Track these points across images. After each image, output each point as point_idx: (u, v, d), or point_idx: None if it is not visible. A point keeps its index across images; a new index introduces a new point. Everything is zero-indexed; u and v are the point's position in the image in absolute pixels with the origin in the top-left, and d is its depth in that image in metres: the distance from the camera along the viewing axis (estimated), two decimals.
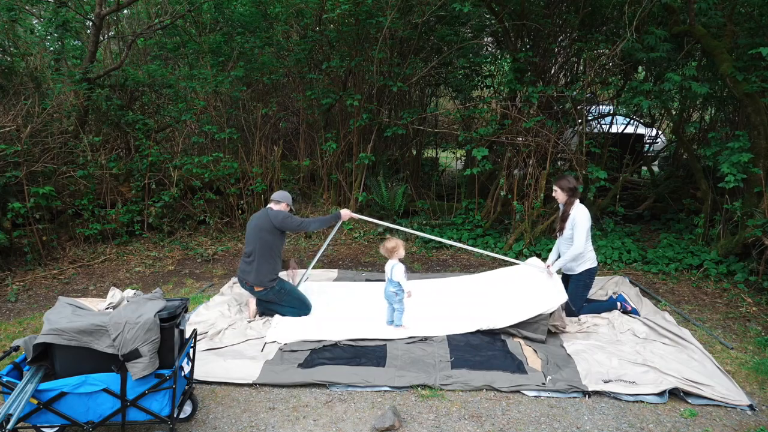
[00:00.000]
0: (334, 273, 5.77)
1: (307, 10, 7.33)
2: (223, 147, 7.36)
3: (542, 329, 4.00)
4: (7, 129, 5.59)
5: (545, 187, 6.40)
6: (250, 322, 4.42)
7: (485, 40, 8.77)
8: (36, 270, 5.75)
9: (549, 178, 6.50)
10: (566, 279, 4.57)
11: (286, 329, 4.18)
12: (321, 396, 3.34)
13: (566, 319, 4.21)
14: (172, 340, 2.77)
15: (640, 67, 7.79)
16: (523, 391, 3.36)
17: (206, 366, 3.57)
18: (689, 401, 3.26)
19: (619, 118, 8.51)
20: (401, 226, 7.12)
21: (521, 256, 6.34)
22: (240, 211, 7.32)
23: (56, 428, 2.78)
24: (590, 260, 4.44)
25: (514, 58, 6.90)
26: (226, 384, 3.46)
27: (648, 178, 8.75)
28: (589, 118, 8.01)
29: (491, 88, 8.48)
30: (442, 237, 6.86)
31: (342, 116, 7.64)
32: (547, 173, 6.39)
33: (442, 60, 7.78)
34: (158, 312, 2.73)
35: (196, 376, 3.39)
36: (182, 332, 2.99)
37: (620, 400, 3.28)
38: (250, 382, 3.45)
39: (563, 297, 4.05)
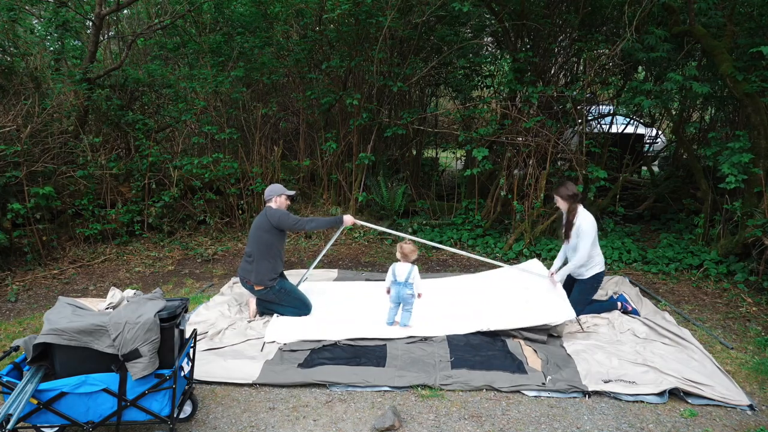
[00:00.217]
0: (334, 273, 5.77)
1: (307, 10, 7.32)
2: (223, 147, 7.36)
3: (542, 332, 4.00)
4: (7, 129, 5.59)
5: (545, 187, 6.41)
6: (250, 322, 4.42)
7: (485, 40, 8.77)
8: (36, 270, 5.75)
9: (549, 178, 6.50)
10: (572, 281, 4.59)
11: (285, 329, 4.18)
12: (321, 396, 3.34)
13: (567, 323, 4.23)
14: (172, 340, 2.77)
15: (640, 67, 7.79)
16: (523, 391, 3.36)
17: (206, 366, 3.57)
18: (689, 401, 3.26)
19: (619, 118, 8.51)
20: (402, 231, 7.13)
21: (521, 256, 6.34)
22: (240, 211, 7.33)
23: (56, 428, 2.78)
24: (599, 265, 4.45)
25: (514, 58, 6.90)
26: (226, 384, 3.46)
27: (648, 178, 8.75)
28: (589, 118, 8.02)
29: (491, 88, 8.48)
30: (442, 237, 6.87)
31: (342, 116, 7.64)
32: (547, 173, 6.39)
33: (442, 60, 7.78)
34: (158, 312, 2.73)
35: (196, 376, 3.40)
36: (182, 332, 2.99)
37: (620, 400, 3.28)
38: (250, 382, 3.45)
39: (571, 314, 4.03)
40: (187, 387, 3.04)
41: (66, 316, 2.69)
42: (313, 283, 5.29)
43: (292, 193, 4.63)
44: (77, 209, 6.41)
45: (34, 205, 5.75)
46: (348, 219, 4.61)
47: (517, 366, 3.60)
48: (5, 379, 2.60)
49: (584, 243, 4.32)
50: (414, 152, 8.73)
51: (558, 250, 6.29)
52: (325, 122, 7.90)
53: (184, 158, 6.97)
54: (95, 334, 2.62)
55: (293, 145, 8.32)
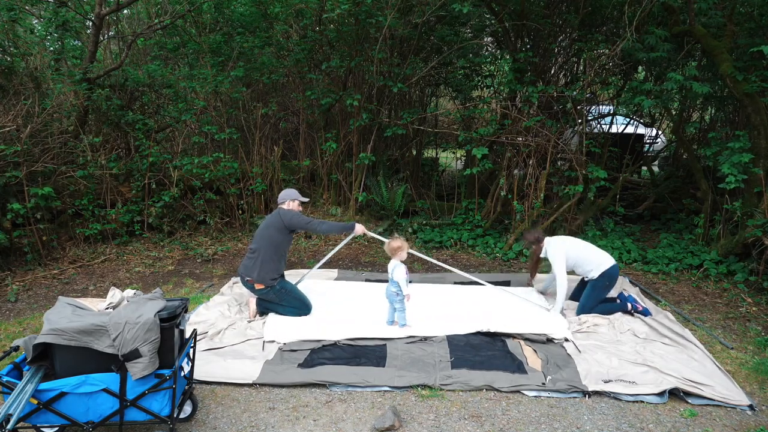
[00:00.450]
0: (334, 273, 5.77)
1: (307, 10, 7.32)
2: (223, 147, 7.36)
3: (541, 336, 4.02)
4: (7, 129, 5.59)
5: (545, 187, 6.41)
6: (250, 322, 4.41)
7: (485, 40, 8.77)
8: (36, 270, 5.75)
9: (549, 178, 6.50)
10: (584, 283, 4.67)
11: (285, 328, 4.18)
12: (321, 396, 3.34)
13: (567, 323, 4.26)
14: (172, 340, 2.77)
15: (640, 67, 7.79)
16: (523, 391, 3.36)
17: (206, 366, 3.57)
18: (689, 401, 3.26)
19: (619, 118, 8.51)
20: (402, 231, 7.13)
21: (521, 256, 6.35)
22: (240, 211, 7.33)
23: (56, 428, 2.78)
24: (604, 263, 4.49)
25: (514, 58, 6.90)
26: (226, 384, 3.46)
27: (648, 178, 8.75)
28: (589, 118, 8.01)
29: (491, 88, 8.48)
30: (442, 237, 6.87)
31: (342, 116, 7.64)
32: (547, 173, 6.39)
33: (442, 60, 7.78)
34: (158, 312, 2.73)
35: (196, 376, 3.39)
36: (182, 332, 2.99)
37: (620, 400, 3.28)
38: (250, 382, 3.45)
39: (567, 333, 4.07)
40: (187, 387, 3.04)
41: (66, 316, 2.69)
42: (313, 283, 5.29)
43: (305, 200, 4.74)
44: (77, 209, 6.41)
45: (34, 205, 5.74)
46: (359, 228, 4.65)
47: (517, 366, 3.60)
48: (5, 379, 2.60)
49: (556, 266, 4.49)
50: (414, 152, 8.73)
51: None
52: (325, 122, 7.90)
53: (184, 158, 6.97)
54: (95, 334, 2.62)
55: (293, 145, 8.32)
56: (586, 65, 7.42)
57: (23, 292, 5.27)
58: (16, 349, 2.78)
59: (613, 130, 8.21)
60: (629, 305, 4.48)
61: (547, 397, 3.32)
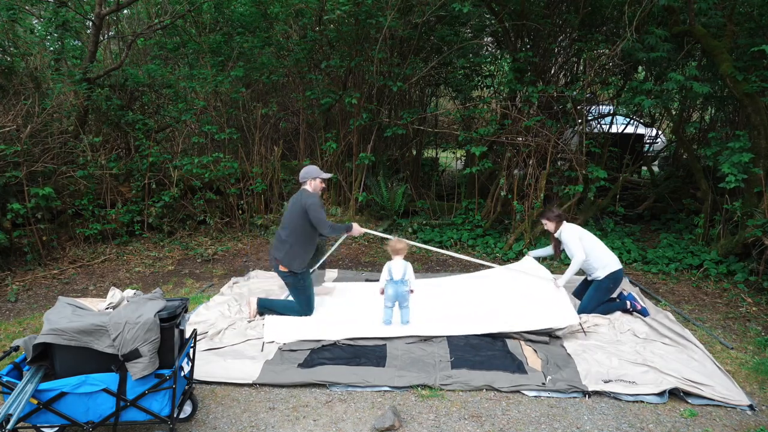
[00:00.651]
0: (334, 273, 5.77)
1: (307, 10, 7.33)
2: (223, 147, 7.36)
3: (545, 332, 4.01)
4: (7, 129, 5.59)
5: (545, 187, 6.41)
6: (250, 321, 4.41)
7: (485, 40, 8.77)
8: (36, 270, 5.75)
9: (549, 178, 6.50)
10: (588, 283, 4.65)
11: (284, 329, 4.18)
12: (321, 396, 3.34)
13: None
14: (172, 340, 2.77)
15: (640, 67, 7.79)
16: (523, 391, 3.36)
17: (206, 366, 3.57)
18: (689, 401, 3.26)
19: (619, 118, 8.51)
20: (402, 231, 7.14)
21: (521, 256, 6.34)
22: (240, 211, 7.33)
23: (56, 428, 2.78)
24: (611, 264, 4.47)
25: (514, 58, 6.90)
26: (226, 384, 3.46)
27: (648, 178, 8.75)
28: (589, 118, 8.02)
29: (491, 88, 8.48)
30: (442, 237, 6.87)
31: (342, 116, 7.64)
32: (547, 173, 6.39)
33: (442, 60, 7.78)
34: (158, 312, 2.73)
35: (196, 376, 3.40)
36: (182, 332, 2.99)
37: (620, 400, 3.28)
38: (250, 382, 3.45)
39: (573, 319, 4.05)
40: (187, 387, 3.04)
41: (66, 316, 2.69)
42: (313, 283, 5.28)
43: (328, 175, 4.44)
44: (77, 209, 6.41)
45: (34, 205, 5.74)
46: (356, 229, 4.50)
47: (517, 366, 3.60)
48: (5, 379, 2.60)
49: (571, 245, 4.47)
50: (414, 152, 8.73)
51: None
52: (325, 122, 7.90)
53: (184, 158, 6.98)
54: (95, 334, 2.62)
55: (293, 145, 8.32)
56: (586, 65, 7.42)
57: (23, 292, 5.27)
58: (16, 349, 2.78)
59: (613, 130, 8.21)
60: (628, 303, 4.48)
61: (547, 397, 3.32)
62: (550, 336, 4.03)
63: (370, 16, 6.64)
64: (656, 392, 3.27)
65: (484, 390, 3.39)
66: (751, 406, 3.19)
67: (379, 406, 3.24)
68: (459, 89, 8.51)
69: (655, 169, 9.12)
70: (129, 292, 3.09)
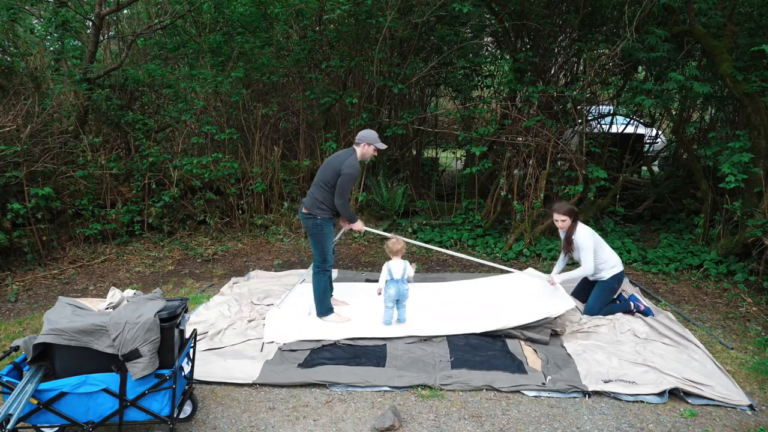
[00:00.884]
0: (334, 273, 5.76)
1: (307, 10, 7.33)
2: (223, 147, 7.36)
3: (545, 331, 4.01)
4: (7, 129, 5.59)
5: (545, 187, 6.41)
6: (250, 321, 4.41)
7: (485, 40, 8.77)
8: (36, 270, 5.75)
9: (549, 178, 6.50)
10: (591, 284, 4.64)
11: (284, 329, 4.18)
12: (321, 396, 3.34)
13: (567, 322, 4.24)
14: (172, 340, 2.77)
15: (640, 67, 7.79)
16: (523, 391, 3.36)
17: (206, 366, 3.57)
18: (689, 401, 3.26)
19: (619, 118, 8.51)
20: (402, 231, 7.14)
21: (521, 256, 6.35)
22: (240, 211, 7.33)
23: (56, 428, 2.78)
24: (617, 265, 4.49)
25: (514, 58, 6.90)
26: (226, 384, 3.46)
27: (648, 178, 8.75)
28: (589, 118, 8.01)
29: (491, 88, 8.48)
30: (442, 237, 6.87)
31: (342, 116, 7.64)
32: (547, 173, 6.39)
33: (442, 60, 7.78)
34: (158, 312, 2.73)
35: (196, 376, 3.40)
36: (182, 332, 2.99)
37: (620, 400, 3.28)
38: (250, 382, 3.45)
39: (569, 304, 4.08)
40: (187, 387, 3.04)
41: (66, 316, 2.69)
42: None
43: (383, 146, 4.30)
44: (77, 209, 6.41)
45: (34, 205, 5.74)
46: (359, 225, 4.47)
47: (517, 366, 3.60)
48: (5, 379, 2.60)
49: (586, 254, 4.37)
50: (414, 152, 8.73)
51: (558, 251, 6.31)
52: (325, 122, 7.90)
53: (184, 158, 6.98)
54: (95, 334, 2.62)
55: (293, 145, 8.32)
56: (586, 65, 7.42)
57: (23, 292, 5.27)
58: (16, 349, 2.78)
59: (613, 130, 8.21)
60: (632, 304, 4.48)
61: (547, 397, 3.32)
62: (551, 334, 4.03)
63: (370, 16, 6.64)
64: (656, 392, 3.27)
65: (484, 390, 3.39)
66: (751, 406, 3.19)
67: (379, 406, 3.24)
68: (459, 89, 8.51)
69: (655, 169, 9.12)
70: (129, 292, 3.09)
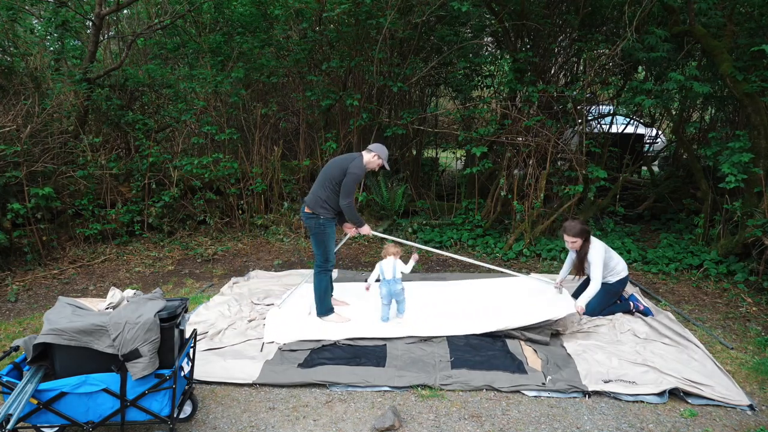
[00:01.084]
0: (334, 273, 5.76)
1: (307, 11, 7.32)
2: (223, 147, 7.36)
3: (546, 331, 4.01)
4: (7, 129, 5.59)
5: (545, 187, 6.41)
6: (250, 321, 4.41)
7: (485, 40, 8.77)
8: (36, 270, 5.75)
9: (549, 178, 6.50)
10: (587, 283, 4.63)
11: (284, 329, 4.18)
12: (321, 396, 3.34)
13: (568, 322, 4.24)
14: (172, 340, 2.77)
15: (640, 67, 7.79)
16: (523, 391, 3.36)
17: (206, 366, 3.57)
18: (689, 401, 3.26)
19: (619, 118, 8.51)
20: (402, 231, 7.14)
21: (521, 256, 6.34)
22: (240, 211, 7.33)
23: (56, 428, 2.78)
24: (624, 270, 4.50)
25: (514, 58, 6.90)
26: (226, 384, 3.46)
27: (648, 178, 8.75)
28: (589, 118, 8.01)
29: (491, 88, 8.47)
30: (442, 237, 6.87)
31: (342, 116, 7.63)
32: (547, 173, 6.39)
33: (442, 60, 7.78)
34: (158, 312, 2.73)
35: (196, 376, 3.40)
36: (182, 332, 2.99)
37: (620, 400, 3.28)
38: (250, 382, 3.45)
39: (572, 308, 4.10)
40: (187, 387, 3.04)
41: (66, 316, 2.69)
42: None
43: (388, 168, 4.46)
44: (77, 209, 6.42)
45: (34, 205, 5.75)
46: (366, 229, 4.47)
47: (517, 366, 3.60)
48: (5, 379, 2.60)
49: (596, 269, 4.32)
50: (414, 152, 8.73)
51: (558, 250, 6.30)
52: (325, 122, 7.90)
53: (184, 158, 6.98)
54: (95, 334, 2.62)
55: (293, 145, 8.32)
56: (586, 65, 7.42)
57: (23, 292, 5.27)
58: (16, 349, 2.78)
59: (613, 130, 8.20)
60: (631, 304, 4.49)
61: (547, 397, 3.32)
62: (552, 334, 4.03)
63: (370, 16, 6.64)
64: (656, 392, 3.27)
65: (484, 390, 3.39)
66: (751, 406, 3.19)
67: (379, 406, 3.24)
68: (459, 89, 8.50)
69: (655, 169, 9.12)
70: (129, 292, 3.09)
